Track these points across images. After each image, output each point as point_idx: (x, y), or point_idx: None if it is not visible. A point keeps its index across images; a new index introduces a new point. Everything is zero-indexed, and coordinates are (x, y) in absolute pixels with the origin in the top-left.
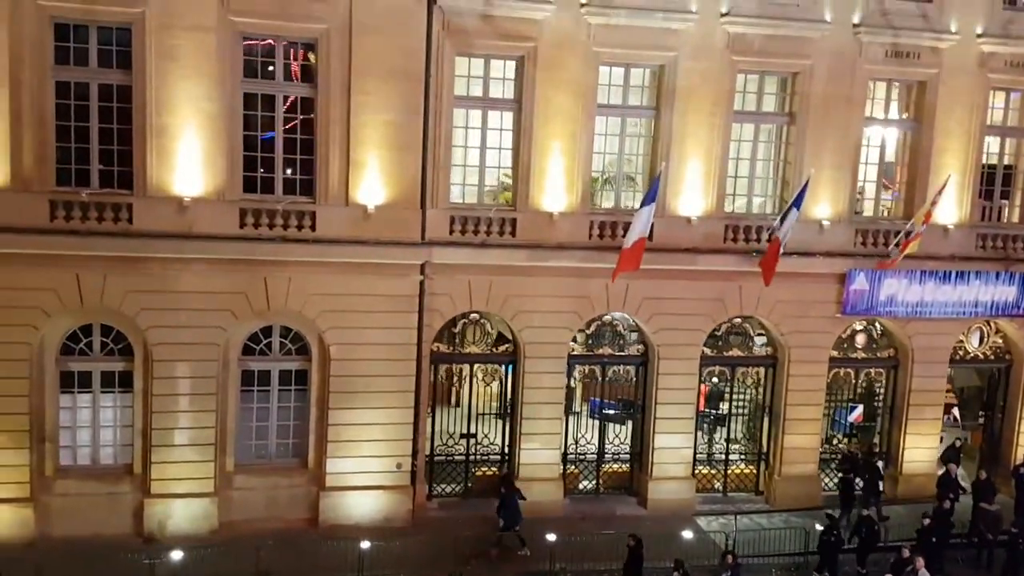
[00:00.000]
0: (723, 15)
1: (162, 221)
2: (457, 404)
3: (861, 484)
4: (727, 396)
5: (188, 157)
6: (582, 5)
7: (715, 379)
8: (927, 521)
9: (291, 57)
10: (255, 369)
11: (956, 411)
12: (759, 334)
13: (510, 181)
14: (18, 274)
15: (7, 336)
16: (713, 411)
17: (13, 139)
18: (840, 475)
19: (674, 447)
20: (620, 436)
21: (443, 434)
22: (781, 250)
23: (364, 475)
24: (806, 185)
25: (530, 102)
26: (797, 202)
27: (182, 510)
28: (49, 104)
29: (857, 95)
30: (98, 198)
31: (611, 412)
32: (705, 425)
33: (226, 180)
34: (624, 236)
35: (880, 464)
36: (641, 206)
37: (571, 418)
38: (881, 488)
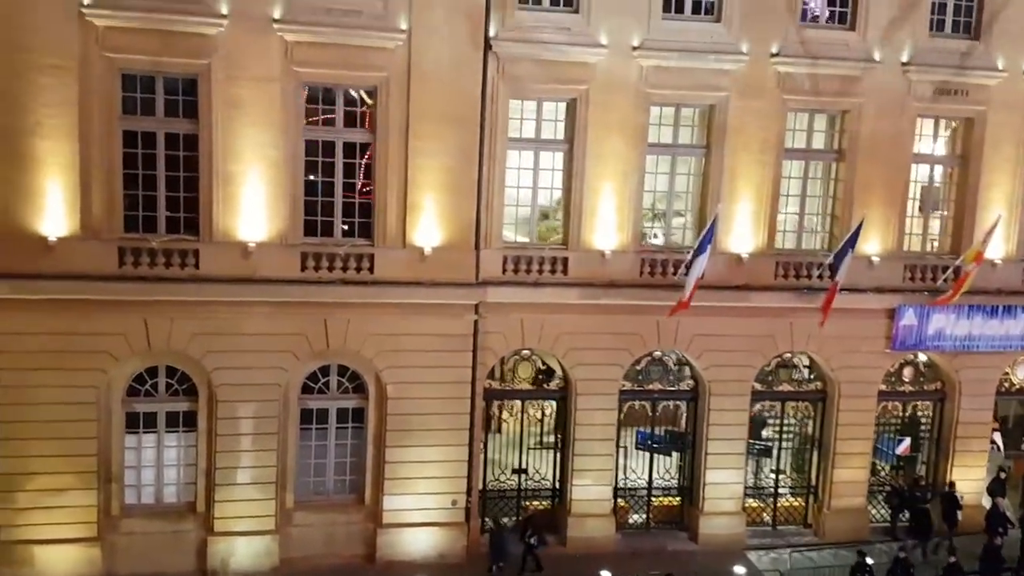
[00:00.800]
0: (773, 55)
1: (227, 266)
2: (509, 439)
3: (907, 517)
4: (776, 429)
5: (252, 203)
6: (634, 48)
7: (764, 413)
8: (952, 559)
9: (351, 104)
10: (313, 407)
11: (998, 437)
12: (807, 367)
13: (560, 221)
14: (88, 319)
15: (77, 380)
16: (760, 443)
17: (83, 189)
18: (912, 506)
19: (725, 482)
20: (668, 469)
21: (495, 469)
22: (837, 293)
23: (420, 511)
24: (860, 226)
25: (582, 143)
26: (851, 243)
27: (244, 547)
28: (117, 153)
29: (905, 132)
30: (166, 244)
31: (658, 444)
32: (752, 457)
33: (288, 225)
34: (675, 273)
35: (959, 496)
36: (695, 255)
37: (619, 451)
38: (959, 518)
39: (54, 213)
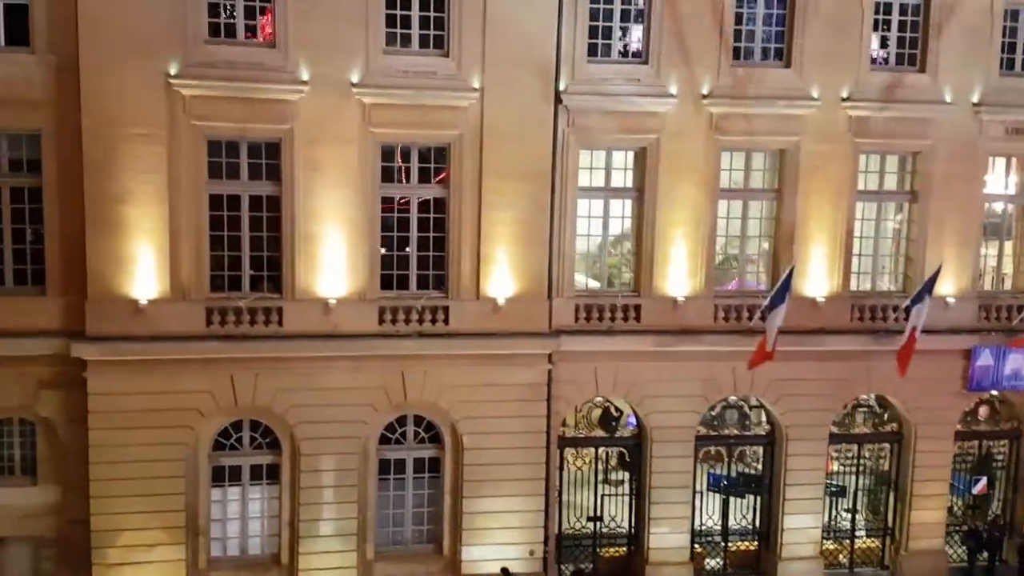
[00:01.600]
0: (844, 100)
1: (309, 322)
2: (583, 486)
3: (985, 556)
4: (852, 471)
5: (332, 261)
6: (703, 96)
7: (841, 456)
8: None
9: (425, 160)
10: (391, 458)
11: None
12: (882, 408)
13: (631, 269)
14: (177, 378)
15: (166, 437)
16: (835, 483)
17: (172, 252)
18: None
19: (803, 527)
20: (744, 513)
21: (571, 516)
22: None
23: (498, 561)
24: (938, 272)
25: (652, 190)
26: (928, 289)
27: None
28: (204, 216)
29: (978, 172)
30: (251, 303)
31: (731, 486)
32: (828, 497)
33: (366, 280)
34: (749, 318)
35: None
36: (772, 305)
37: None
38: None
39: (145, 276)
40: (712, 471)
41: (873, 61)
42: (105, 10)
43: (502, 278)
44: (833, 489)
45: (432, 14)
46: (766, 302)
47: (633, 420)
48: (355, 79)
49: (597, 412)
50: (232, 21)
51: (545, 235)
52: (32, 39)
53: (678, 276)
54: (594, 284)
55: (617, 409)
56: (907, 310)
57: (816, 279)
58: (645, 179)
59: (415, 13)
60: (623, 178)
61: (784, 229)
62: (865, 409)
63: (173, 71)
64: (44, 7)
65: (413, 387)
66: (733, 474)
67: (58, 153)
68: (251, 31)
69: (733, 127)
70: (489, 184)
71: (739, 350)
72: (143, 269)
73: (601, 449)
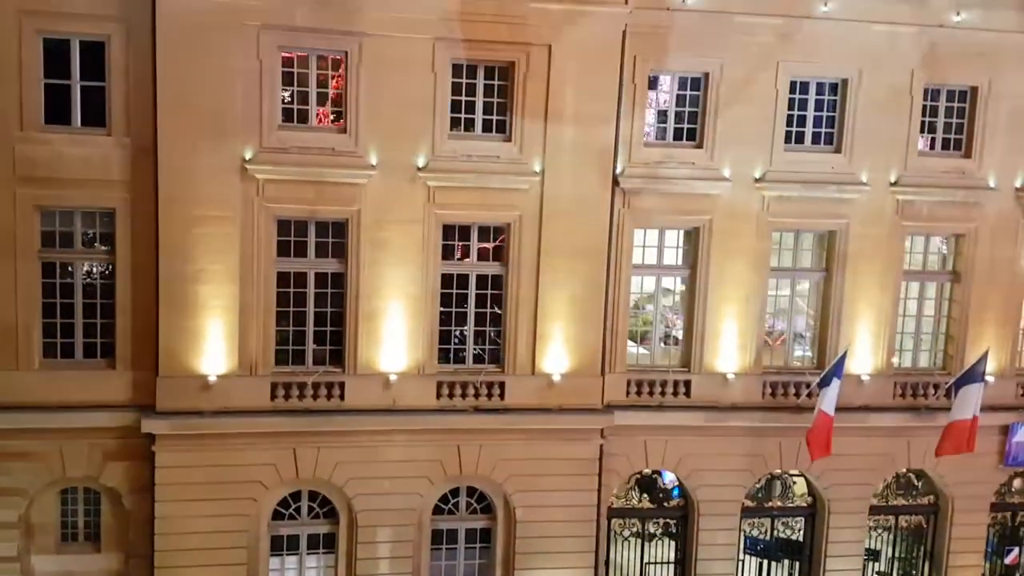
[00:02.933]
0: (892, 184)
1: (369, 397)
2: (631, 556)
3: None
4: (889, 539)
5: (393, 336)
6: (756, 180)
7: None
8: None
9: (485, 238)
10: (444, 528)
11: None
12: (919, 481)
13: (682, 345)
14: (242, 451)
15: (230, 509)
16: (869, 547)
17: (242, 328)
18: None
19: None
20: None
21: None
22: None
23: None
24: (983, 357)
25: (704, 269)
26: (972, 376)
27: None
28: (272, 293)
29: (1019, 254)
30: (315, 378)
31: (770, 551)
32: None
33: (425, 355)
34: (796, 395)
35: None
36: (823, 384)
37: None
38: None
39: (214, 353)
40: (750, 535)
41: (920, 146)
42: (184, 96)
43: (557, 354)
44: (867, 556)
45: (496, 100)
46: (816, 381)
47: (679, 490)
48: (421, 163)
49: (645, 483)
50: (305, 107)
51: (600, 313)
52: (109, 121)
53: (728, 352)
54: (643, 352)
55: (664, 480)
56: (948, 390)
57: (862, 357)
58: (697, 257)
59: (479, 99)
60: (675, 256)
61: (831, 307)
62: (903, 481)
63: (248, 156)
64: (121, 90)
65: (468, 460)
66: (771, 537)
67: (131, 231)
68: (322, 117)
69: (784, 210)
70: (547, 263)
71: (786, 426)
72: (213, 346)
73: (648, 520)
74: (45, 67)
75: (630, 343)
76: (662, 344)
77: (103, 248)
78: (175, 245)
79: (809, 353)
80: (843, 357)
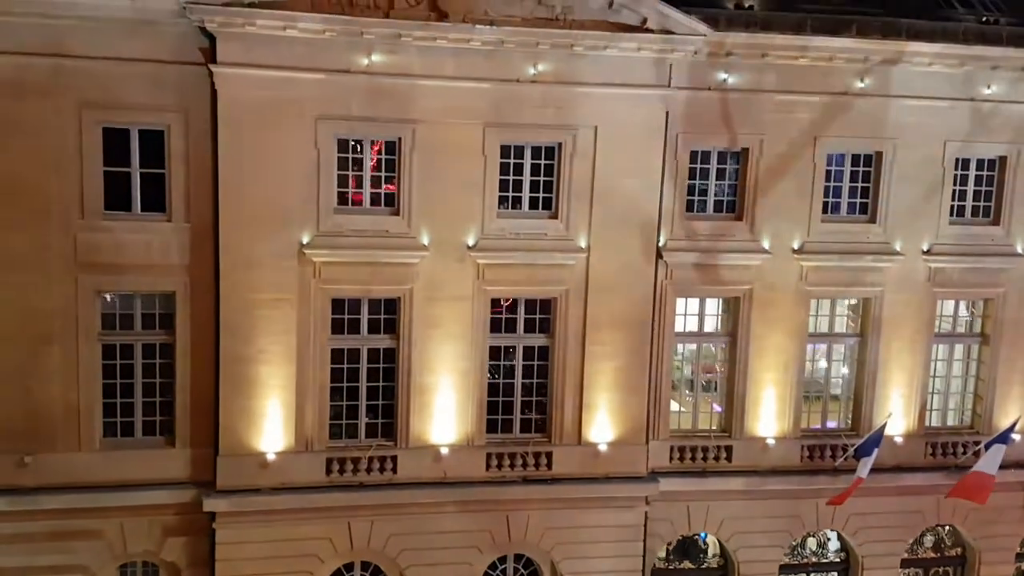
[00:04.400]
0: (925, 252)
1: (421, 470)
2: None
3: None
4: None
5: (443, 410)
6: (795, 251)
7: None
8: None
9: (532, 311)
10: None
11: None
12: (947, 534)
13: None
14: (298, 526)
15: None
16: None
17: (298, 405)
18: None
19: None
20: None
21: None
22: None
23: None
24: (1015, 424)
25: (745, 337)
26: (1004, 438)
27: None
28: (326, 370)
29: None
30: (368, 453)
31: None
32: None
33: (474, 427)
34: (833, 457)
35: None
36: (859, 455)
37: None
38: None
39: (272, 431)
40: None
41: (952, 213)
42: (244, 183)
43: (603, 423)
44: None
45: (542, 178)
46: (853, 447)
47: (718, 550)
48: (470, 242)
49: (685, 544)
50: (359, 191)
51: (644, 382)
52: (169, 207)
53: (767, 418)
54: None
55: (704, 541)
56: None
57: (894, 418)
58: (737, 326)
59: (526, 178)
60: (716, 324)
61: (866, 370)
62: (932, 535)
63: (305, 240)
64: (181, 177)
65: (517, 529)
66: None
67: (190, 312)
68: (376, 200)
69: (822, 278)
70: (593, 334)
71: (824, 488)
72: (271, 424)
73: None
74: (105, 155)
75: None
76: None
77: (162, 329)
78: (236, 327)
79: (847, 417)
80: (883, 428)
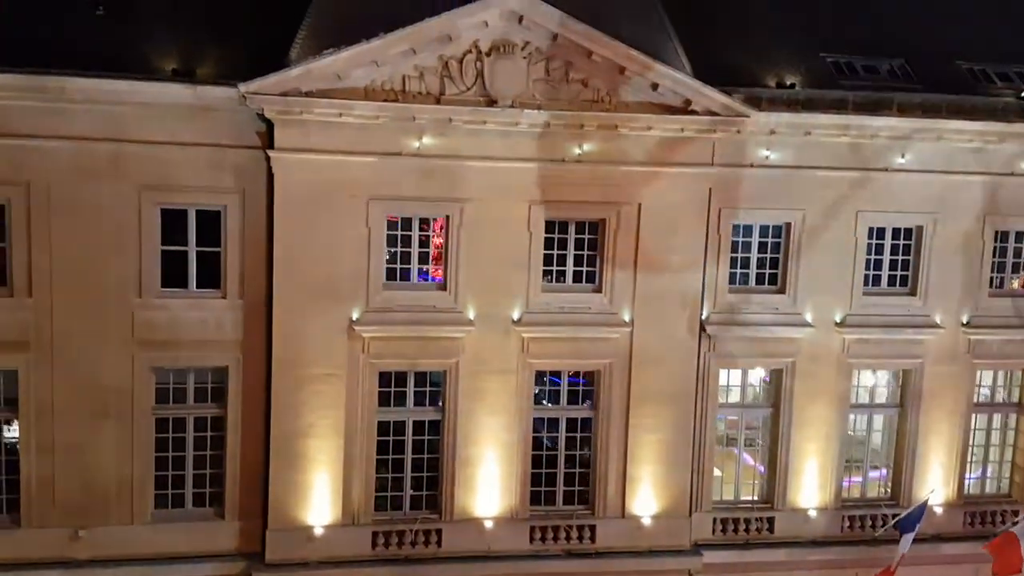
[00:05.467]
0: (964, 325)
1: (465, 543)
2: None
3: None
4: None
5: (487, 482)
6: (837, 324)
7: None
8: None
9: (576, 383)
10: None
11: None
12: None
13: (765, 481)
14: None
15: None
16: None
17: (345, 478)
18: None
19: None
20: None
21: None
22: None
23: None
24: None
25: (787, 408)
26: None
27: None
28: (373, 443)
29: None
30: (414, 526)
31: None
32: None
33: (518, 498)
34: (872, 527)
35: None
36: (902, 529)
37: None
38: None
39: (320, 504)
40: None
41: (991, 284)
42: (297, 261)
43: (646, 496)
44: None
45: (586, 252)
46: (894, 518)
47: None
48: (516, 316)
49: None
50: (407, 267)
51: (688, 455)
52: (224, 284)
53: (809, 488)
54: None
55: None
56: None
57: (934, 488)
58: (780, 397)
59: (570, 252)
60: (759, 395)
61: (906, 440)
62: None
63: (355, 316)
64: (236, 255)
65: None
66: None
67: (242, 386)
68: (424, 275)
69: (863, 351)
70: (636, 407)
71: (865, 558)
72: (319, 497)
73: None
74: (163, 235)
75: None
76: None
77: (214, 402)
78: (286, 402)
79: (888, 486)
80: (925, 504)
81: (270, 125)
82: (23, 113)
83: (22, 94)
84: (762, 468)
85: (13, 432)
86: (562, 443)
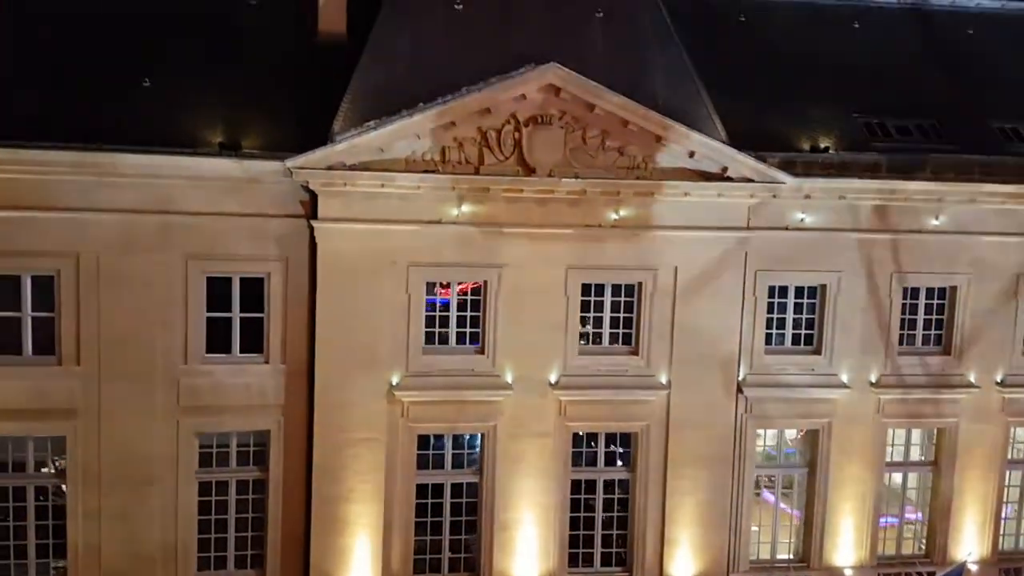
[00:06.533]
0: (998, 383)
1: None
2: None
3: None
4: None
5: (525, 545)
6: (872, 384)
7: None
8: None
9: (612, 445)
10: None
11: None
12: None
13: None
14: None
15: None
16: None
17: (385, 543)
18: None
19: None
20: None
21: None
22: None
23: None
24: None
25: (823, 467)
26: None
27: None
28: (412, 507)
29: None
30: None
31: None
32: None
33: (556, 562)
34: None
35: None
36: None
37: None
38: None
39: (359, 567)
40: None
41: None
42: (339, 328)
43: (684, 557)
44: None
45: (622, 314)
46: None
47: None
48: (553, 379)
49: None
50: (445, 331)
51: (726, 516)
52: (266, 349)
53: (845, 547)
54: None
55: None
56: None
57: (968, 545)
58: (816, 456)
59: (607, 315)
60: (795, 454)
61: (940, 498)
62: None
63: (395, 381)
64: (279, 320)
65: None
66: None
67: (283, 449)
68: (462, 340)
69: (898, 410)
70: (674, 469)
71: None
72: (359, 560)
73: None
74: (207, 302)
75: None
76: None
77: (256, 465)
78: (327, 467)
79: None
80: (963, 566)
81: (313, 195)
82: (75, 187)
83: (75, 169)
84: (798, 513)
85: (60, 498)
86: (599, 505)
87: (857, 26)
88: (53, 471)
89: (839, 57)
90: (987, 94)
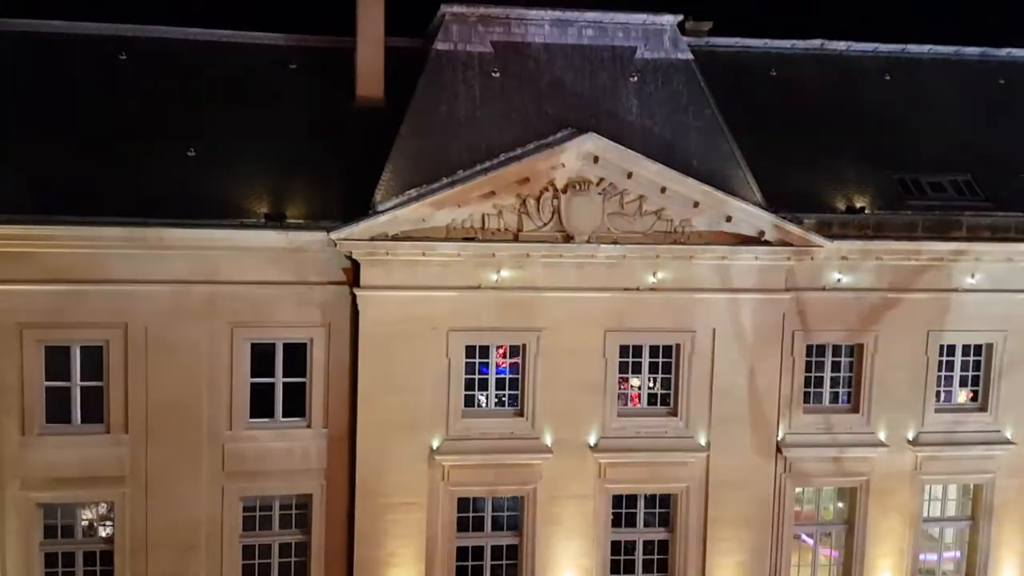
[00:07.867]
0: None
1: None
2: None
3: None
4: None
5: None
6: (909, 442)
7: None
8: None
9: (652, 505)
10: None
11: None
12: None
13: None
14: None
15: None
16: None
17: None
18: None
19: None
20: None
21: None
22: None
23: None
24: None
25: (862, 524)
26: None
27: None
28: (452, 570)
29: None
30: None
31: None
32: None
33: None
34: None
35: None
36: None
37: None
38: None
39: None
40: None
41: None
42: (380, 393)
43: None
44: None
45: (660, 375)
46: None
47: None
48: (592, 441)
49: None
50: (483, 394)
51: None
52: (309, 414)
53: None
54: None
55: None
56: None
57: None
58: (854, 514)
59: (645, 376)
60: (832, 512)
61: (978, 554)
62: None
63: (435, 445)
64: (321, 385)
65: None
66: None
67: (325, 512)
68: (500, 403)
69: (936, 467)
70: (713, 530)
71: None
72: None
73: None
74: (251, 368)
75: None
76: None
77: (298, 528)
78: (369, 531)
79: None
80: None
81: (355, 262)
82: (124, 260)
83: (124, 243)
84: (836, 554)
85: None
86: (639, 566)
87: (888, 78)
88: (102, 537)
89: (871, 110)
90: (1020, 145)
